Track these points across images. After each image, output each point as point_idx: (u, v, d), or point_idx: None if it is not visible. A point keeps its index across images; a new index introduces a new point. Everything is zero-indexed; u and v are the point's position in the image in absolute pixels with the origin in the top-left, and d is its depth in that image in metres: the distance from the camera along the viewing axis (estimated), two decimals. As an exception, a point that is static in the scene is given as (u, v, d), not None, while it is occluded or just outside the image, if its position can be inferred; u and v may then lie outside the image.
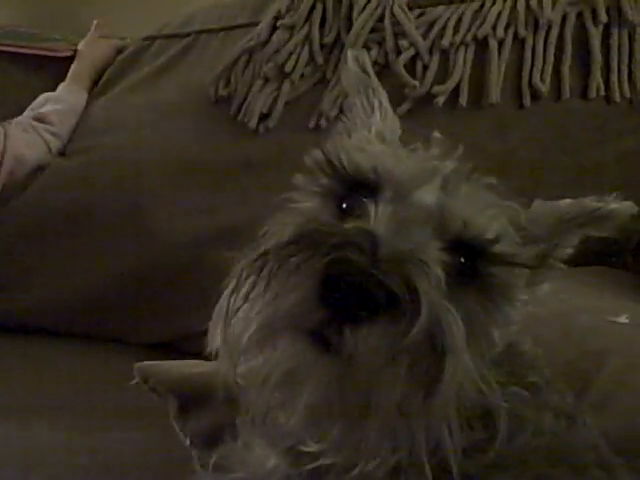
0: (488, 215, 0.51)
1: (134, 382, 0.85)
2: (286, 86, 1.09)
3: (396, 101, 1.04)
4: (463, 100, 1.02)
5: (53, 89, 1.34)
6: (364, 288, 0.41)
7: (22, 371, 1.13)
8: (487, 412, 0.54)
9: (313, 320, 0.43)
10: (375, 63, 1.05)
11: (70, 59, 1.39)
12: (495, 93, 1.01)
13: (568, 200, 0.56)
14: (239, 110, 1.12)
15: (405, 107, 1.03)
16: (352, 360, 0.43)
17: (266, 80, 1.10)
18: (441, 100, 1.02)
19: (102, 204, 1.19)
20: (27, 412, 0.99)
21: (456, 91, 1.02)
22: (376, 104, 0.61)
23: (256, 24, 1.20)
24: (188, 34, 1.28)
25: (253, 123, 1.10)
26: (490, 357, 0.52)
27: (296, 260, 0.43)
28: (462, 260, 0.49)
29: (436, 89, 1.02)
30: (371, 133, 0.59)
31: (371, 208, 0.48)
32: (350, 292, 0.41)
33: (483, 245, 0.50)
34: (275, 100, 1.09)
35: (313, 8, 1.09)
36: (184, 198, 1.14)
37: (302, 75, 1.09)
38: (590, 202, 0.55)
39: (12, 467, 0.90)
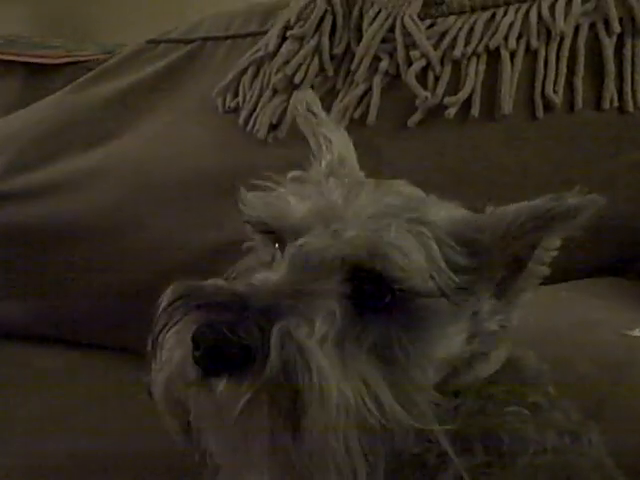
0: (385, 242, 0.51)
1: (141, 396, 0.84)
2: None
3: (407, 112, 1.04)
4: (475, 111, 1.01)
5: (46, 96, 1.33)
6: (218, 347, 0.47)
7: (28, 380, 1.13)
8: (487, 435, 0.53)
9: (193, 377, 0.49)
10: (386, 74, 1.05)
11: (64, 66, 1.39)
12: (507, 104, 1.00)
13: (523, 203, 0.54)
14: (247, 121, 1.12)
15: (416, 118, 1.03)
16: (223, 411, 0.48)
17: (275, 91, 1.09)
18: (453, 111, 1.01)
19: (107, 214, 1.18)
20: (33, 422, 0.99)
21: (468, 102, 1.01)
22: (321, 140, 0.65)
23: (264, 33, 1.20)
24: (193, 40, 1.27)
25: (262, 134, 1.09)
26: (431, 379, 0.53)
27: (173, 321, 0.50)
28: (371, 287, 0.51)
29: (448, 100, 1.01)
30: (322, 167, 0.63)
31: (277, 255, 0.55)
32: (208, 351, 0.47)
33: (378, 274, 0.51)
34: (284, 111, 1.08)
35: (323, 19, 1.08)
36: (191, 210, 1.13)
37: (312, 86, 1.08)
38: (545, 201, 0.52)
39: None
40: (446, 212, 0.56)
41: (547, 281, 0.93)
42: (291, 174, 0.60)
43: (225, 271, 1.07)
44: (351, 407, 0.48)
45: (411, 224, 0.53)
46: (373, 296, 0.52)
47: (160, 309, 0.52)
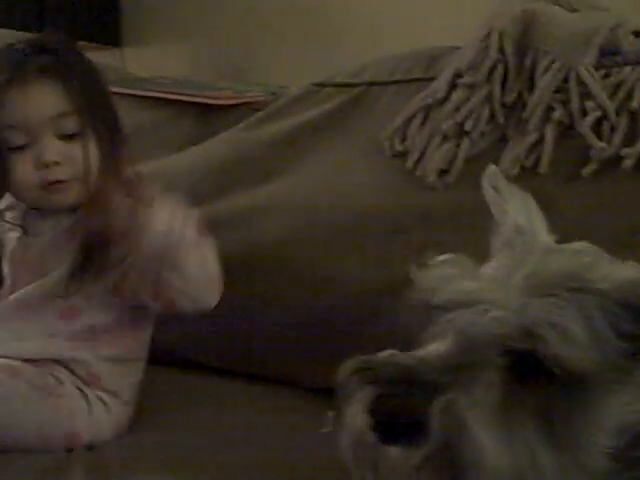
0: (544, 322, 0.53)
1: (324, 430, 0.87)
2: (465, 144, 1.11)
3: (580, 162, 1.05)
4: (653, 164, 1.01)
5: (215, 135, 1.42)
6: (387, 419, 0.53)
7: (183, 407, 1.17)
8: None
9: (372, 441, 0.54)
10: (559, 123, 1.06)
11: (232, 107, 1.47)
12: (688, 157, 0.99)
13: None
14: (416, 165, 1.15)
15: (591, 168, 1.03)
16: (397, 472, 0.54)
17: (445, 137, 1.12)
18: (630, 163, 1.01)
19: (278, 249, 1.24)
20: (192, 449, 1.01)
21: (645, 154, 1.01)
22: (500, 212, 0.68)
23: (429, 79, 1.23)
24: (359, 84, 1.33)
25: (431, 179, 1.12)
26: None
27: (351, 393, 0.55)
28: (529, 361, 0.53)
29: (624, 151, 1.01)
30: (500, 237, 0.67)
31: (446, 327, 0.58)
32: (380, 422, 0.53)
33: (534, 351, 0.53)
34: (454, 157, 1.11)
35: (494, 68, 1.10)
36: (358, 248, 1.17)
37: (482, 133, 1.11)
38: None
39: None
40: (614, 276, 0.56)
41: None
42: (442, 257, 0.63)
43: (389, 310, 1.11)
44: (507, 475, 0.51)
45: (573, 294, 0.54)
46: (532, 368, 0.54)
47: (340, 380, 0.58)
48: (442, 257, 0.61)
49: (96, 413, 1.04)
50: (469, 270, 0.59)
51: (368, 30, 1.70)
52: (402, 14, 1.66)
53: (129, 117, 1.53)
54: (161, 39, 2.05)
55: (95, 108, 1.08)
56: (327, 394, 1.20)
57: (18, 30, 1.89)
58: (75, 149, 1.05)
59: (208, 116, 1.46)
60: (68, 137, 1.05)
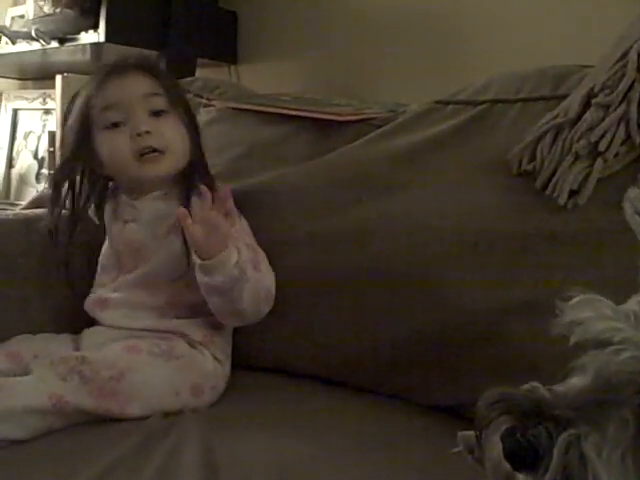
0: None
1: (455, 450, 0.87)
2: (599, 164, 1.08)
3: None
4: None
5: (334, 150, 1.43)
6: (514, 449, 0.57)
7: (292, 416, 1.18)
8: None
9: (506, 468, 0.58)
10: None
11: (351, 123, 1.47)
12: None
13: None
14: (546, 185, 1.13)
15: None
16: None
17: (577, 157, 1.10)
18: None
19: (395, 263, 1.25)
20: (304, 463, 1.01)
21: None
22: None
23: (557, 97, 1.22)
24: (482, 102, 1.32)
25: (562, 199, 1.10)
26: None
27: (489, 421, 0.60)
28: None
29: None
30: None
31: (586, 361, 0.60)
32: (509, 451, 0.57)
33: None
34: (586, 177, 1.09)
35: (631, 87, 1.08)
36: (480, 267, 1.16)
37: (616, 154, 1.08)
38: None
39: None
40: None
41: None
42: (576, 299, 0.63)
43: (518, 331, 1.09)
44: None
45: None
46: None
47: (480, 408, 0.62)
48: (577, 299, 0.63)
49: (210, 364, 1.22)
50: (604, 311, 0.61)
51: (486, 48, 1.69)
52: (523, 32, 1.64)
53: (249, 133, 1.58)
54: (276, 56, 2.10)
55: (178, 94, 1.30)
56: (439, 410, 1.20)
57: (142, 47, 1.98)
58: (164, 124, 1.25)
59: (327, 132, 1.47)
60: (157, 114, 1.25)
